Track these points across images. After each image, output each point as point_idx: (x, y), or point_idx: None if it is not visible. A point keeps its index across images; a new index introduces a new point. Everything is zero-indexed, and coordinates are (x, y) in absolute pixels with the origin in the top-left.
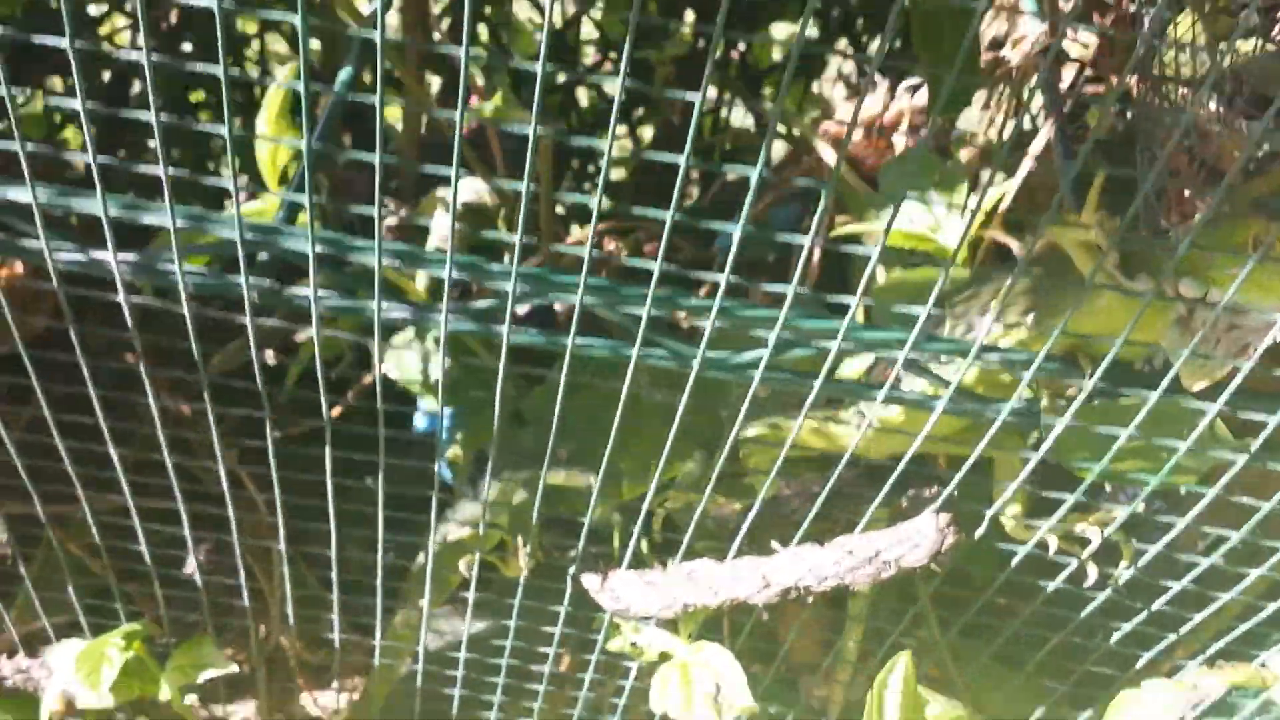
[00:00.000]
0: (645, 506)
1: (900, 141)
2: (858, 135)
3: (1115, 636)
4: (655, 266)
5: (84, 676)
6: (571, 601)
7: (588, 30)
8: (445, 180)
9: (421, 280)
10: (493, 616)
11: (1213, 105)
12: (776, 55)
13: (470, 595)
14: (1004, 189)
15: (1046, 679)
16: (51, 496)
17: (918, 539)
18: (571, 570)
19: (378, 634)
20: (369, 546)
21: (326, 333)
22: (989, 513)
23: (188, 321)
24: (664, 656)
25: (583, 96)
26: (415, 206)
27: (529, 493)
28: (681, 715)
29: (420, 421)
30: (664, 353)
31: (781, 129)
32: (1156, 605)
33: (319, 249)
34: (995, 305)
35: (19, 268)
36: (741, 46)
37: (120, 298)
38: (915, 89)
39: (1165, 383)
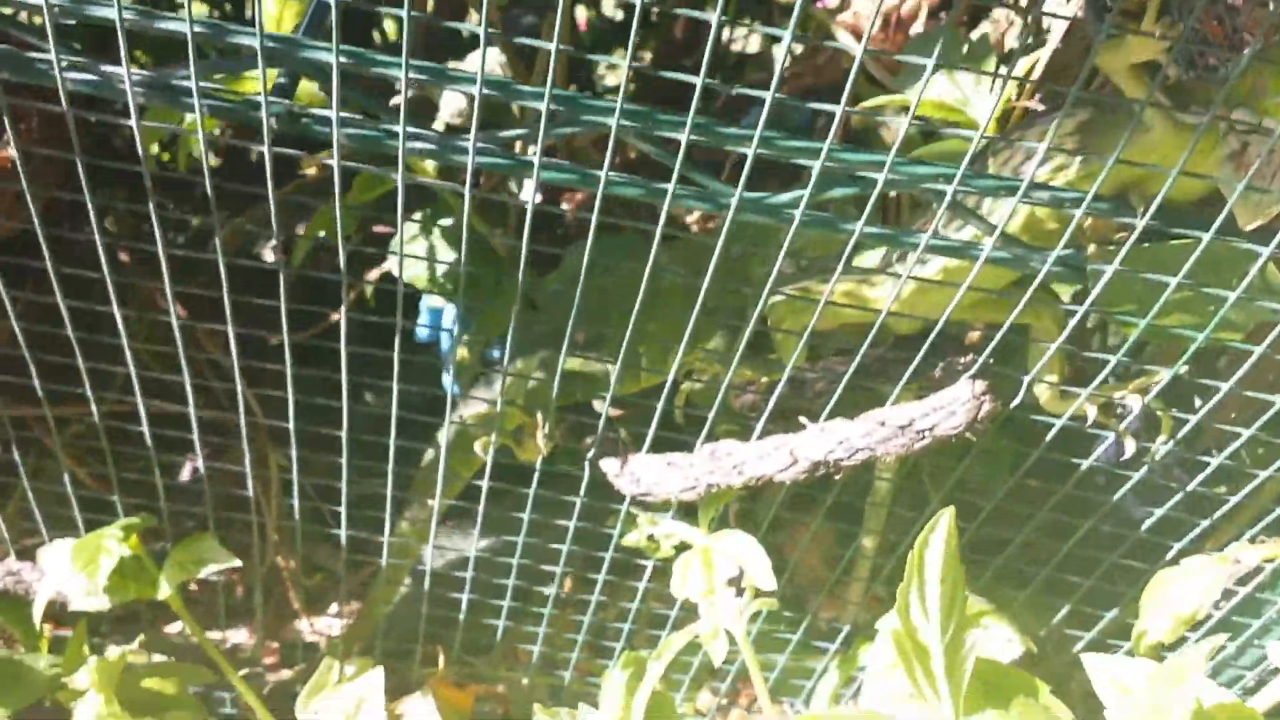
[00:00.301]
0: (668, 382)
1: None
2: (875, 27)
3: (1148, 522)
4: (697, 80)
5: (81, 567)
6: (587, 492)
7: None
8: (454, 55)
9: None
10: (499, 533)
11: None
12: None
13: (484, 484)
14: (1035, 58)
15: (1071, 575)
16: (50, 395)
17: (953, 406)
18: (590, 455)
19: (386, 529)
20: (366, 471)
21: (346, 164)
22: (1027, 379)
23: (201, 146)
24: (682, 548)
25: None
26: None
27: (546, 374)
28: (703, 600)
29: (422, 331)
30: (697, 194)
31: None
32: (1193, 485)
33: (343, 60)
34: (1042, 145)
35: (10, 151)
36: None
37: (132, 122)
38: None
39: (1219, 221)
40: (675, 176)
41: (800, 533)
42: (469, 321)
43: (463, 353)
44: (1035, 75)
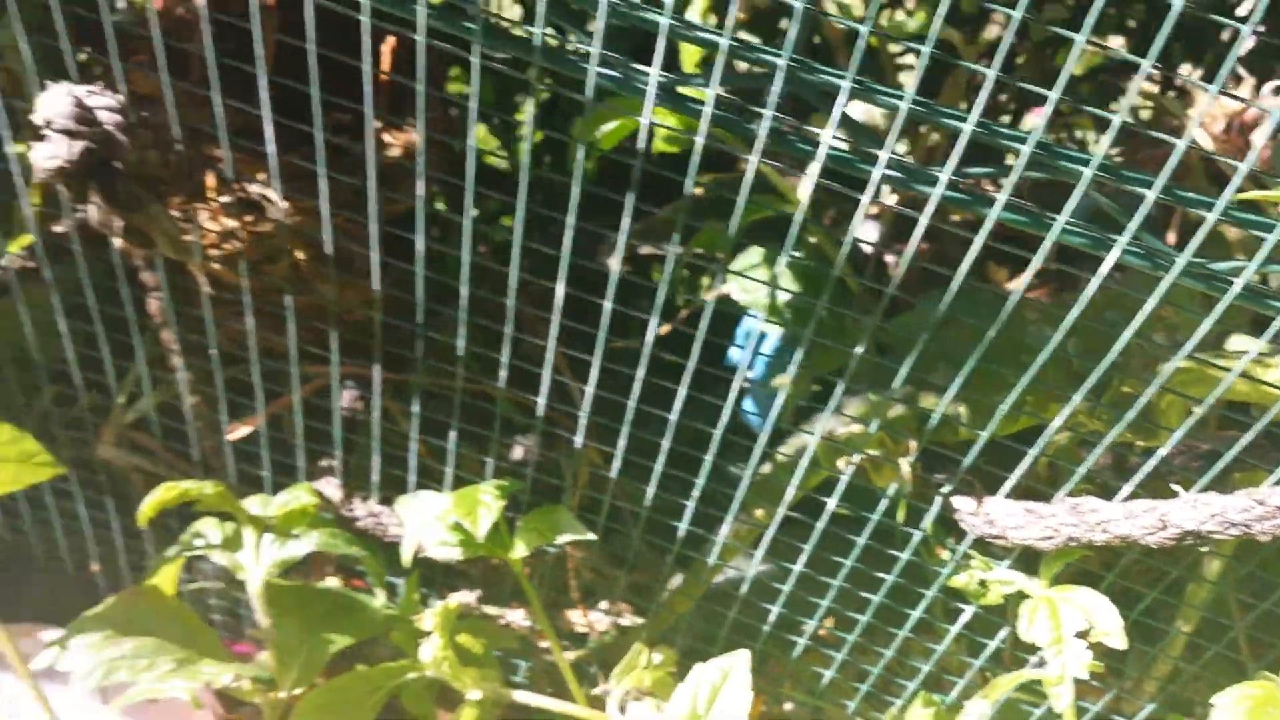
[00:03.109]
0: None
1: (1259, 140)
2: (1218, 128)
3: None
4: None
5: (464, 514)
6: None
7: None
8: None
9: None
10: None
11: None
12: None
13: (830, 502)
14: None
15: None
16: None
17: None
18: (944, 489)
19: (724, 526)
20: (673, 487)
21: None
22: None
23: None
24: (1015, 598)
25: None
26: None
27: (908, 408)
28: (1050, 648)
29: (736, 354)
30: (1139, 251)
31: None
32: None
33: None
34: None
35: (414, 136)
36: None
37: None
38: None
39: None
40: (1130, 230)
41: None
42: (789, 352)
43: (783, 379)
44: None
